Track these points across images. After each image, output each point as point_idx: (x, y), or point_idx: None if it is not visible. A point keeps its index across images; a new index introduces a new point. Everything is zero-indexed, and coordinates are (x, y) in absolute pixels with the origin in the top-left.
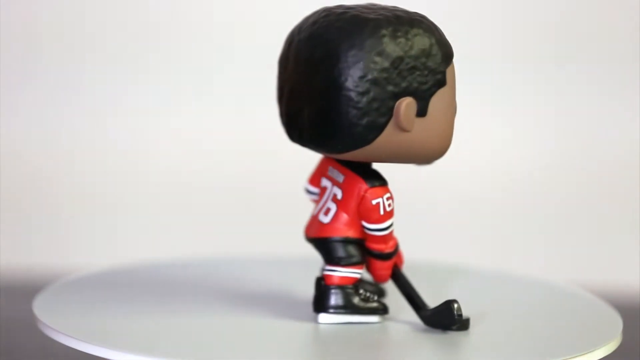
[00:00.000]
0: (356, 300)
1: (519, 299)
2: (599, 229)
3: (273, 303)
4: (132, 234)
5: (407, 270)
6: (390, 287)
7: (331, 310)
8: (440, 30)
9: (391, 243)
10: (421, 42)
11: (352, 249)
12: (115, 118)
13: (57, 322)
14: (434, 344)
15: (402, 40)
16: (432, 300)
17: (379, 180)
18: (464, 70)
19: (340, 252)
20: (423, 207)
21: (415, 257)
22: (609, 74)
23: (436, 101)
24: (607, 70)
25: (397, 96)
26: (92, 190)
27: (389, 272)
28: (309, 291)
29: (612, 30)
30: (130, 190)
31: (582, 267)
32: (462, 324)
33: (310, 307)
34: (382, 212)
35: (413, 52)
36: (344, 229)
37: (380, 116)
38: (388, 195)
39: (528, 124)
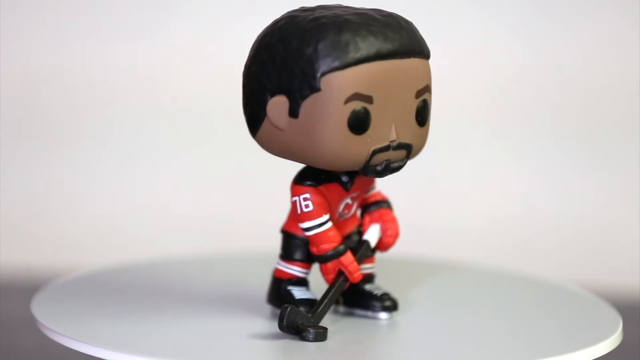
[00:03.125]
0: (281, 295)
1: (518, 297)
2: (599, 227)
3: None
4: (131, 234)
5: (406, 267)
6: (402, 292)
7: (269, 301)
8: (355, 38)
9: (322, 247)
10: (302, 42)
11: (292, 244)
12: (116, 117)
13: (55, 322)
14: (433, 342)
15: (286, 38)
16: (429, 299)
17: (306, 180)
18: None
19: (283, 245)
20: (423, 204)
21: (415, 254)
22: None
23: (309, 105)
24: None
25: (273, 92)
26: (92, 189)
27: (329, 277)
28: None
29: None
30: (130, 189)
31: (582, 266)
32: (292, 330)
33: None
34: (299, 211)
35: (290, 52)
36: (288, 224)
37: (257, 109)
38: (306, 196)
39: (529, 124)
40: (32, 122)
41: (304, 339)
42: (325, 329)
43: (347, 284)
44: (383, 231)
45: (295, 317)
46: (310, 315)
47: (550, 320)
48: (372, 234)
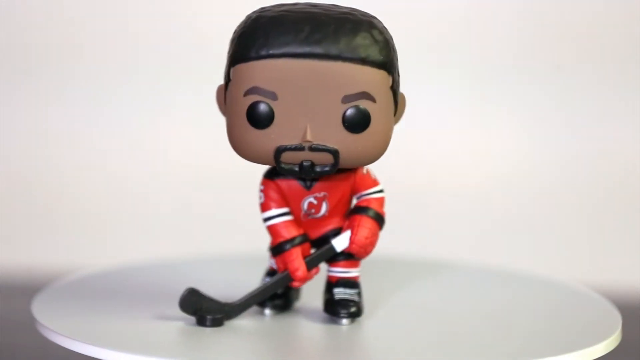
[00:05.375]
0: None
1: (518, 296)
2: (600, 225)
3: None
4: (131, 234)
5: (403, 266)
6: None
7: None
8: (269, 34)
9: (272, 240)
10: (236, 34)
11: None
12: (114, 119)
13: (55, 323)
14: (430, 341)
15: (236, 30)
16: (425, 298)
17: (269, 172)
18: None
19: None
20: (424, 202)
21: (416, 252)
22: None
23: (227, 94)
24: (609, 73)
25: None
26: (92, 189)
27: (279, 268)
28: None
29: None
30: (131, 189)
31: (582, 264)
32: (190, 313)
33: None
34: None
35: (230, 43)
36: None
37: None
38: (261, 187)
39: (528, 118)
40: (30, 115)
41: (199, 323)
42: (222, 316)
43: (294, 283)
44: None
45: (197, 301)
46: (226, 303)
47: (549, 319)
48: (340, 239)
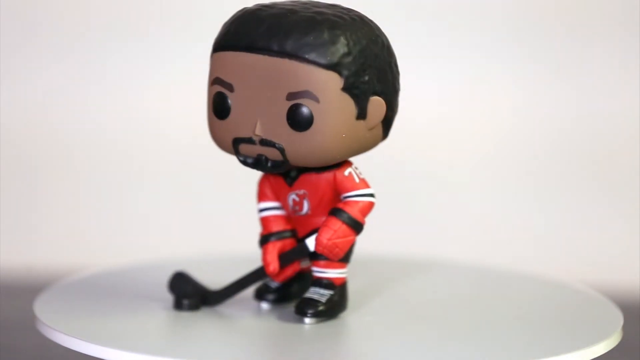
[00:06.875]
0: None
1: (517, 295)
2: (600, 224)
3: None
4: (132, 234)
5: (401, 265)
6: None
7: None
8: (232, 27)
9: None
10: None
11: None
12: (114, 118)
13: (58, 322)
14: (430, 341)
15: None
16: (425, 298)
17: None
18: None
19: None
20: (424, 201)
21: (410, 252)
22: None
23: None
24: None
25: None
26: (93, 190)
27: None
28: None
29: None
30: (131, 189)
31: (582, 264)
32: (174, 295)
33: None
34: None
35: None
36: None
37: None
38: (258, 181)
39: (523, 111)
40: (29, 113)
41: (176, 306)
42: (198, 301)
43: (273, 277)
44: None
45: (182, 286)
46: (207, 289)
47: (549, 319)
48: (313, 238)
